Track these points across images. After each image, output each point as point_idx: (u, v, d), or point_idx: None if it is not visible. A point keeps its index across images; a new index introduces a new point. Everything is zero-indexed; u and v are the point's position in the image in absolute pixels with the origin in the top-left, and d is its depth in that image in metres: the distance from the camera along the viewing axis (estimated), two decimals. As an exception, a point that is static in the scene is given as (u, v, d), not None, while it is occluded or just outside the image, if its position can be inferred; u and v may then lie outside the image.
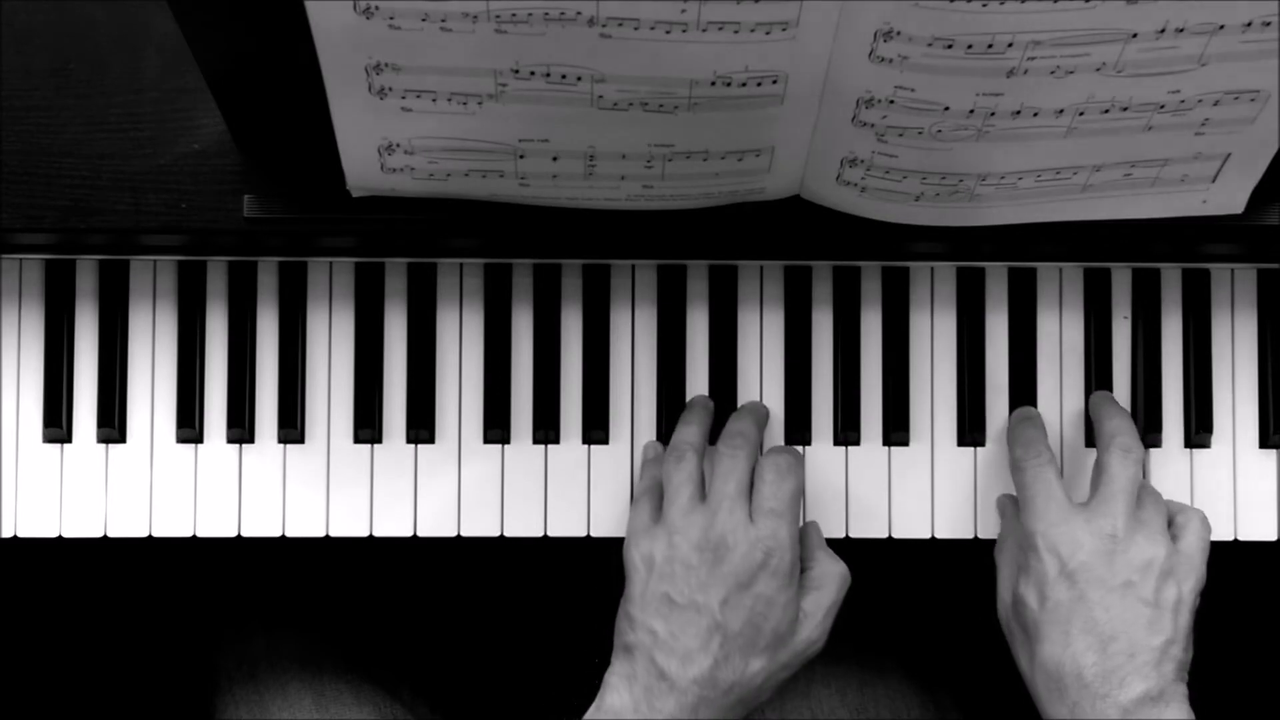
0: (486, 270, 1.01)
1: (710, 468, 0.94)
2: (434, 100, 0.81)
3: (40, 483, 1.00)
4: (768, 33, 0.76)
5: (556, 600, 1.41)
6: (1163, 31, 0.76)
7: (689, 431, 0.96)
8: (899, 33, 0.76)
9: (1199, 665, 0.90)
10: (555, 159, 0.86)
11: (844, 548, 0.98)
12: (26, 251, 1.00)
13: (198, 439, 1.00)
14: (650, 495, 0.95)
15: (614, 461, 1.01)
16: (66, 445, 1.00)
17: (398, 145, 0.85)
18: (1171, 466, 1.01)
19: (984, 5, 0.74)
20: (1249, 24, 0.76)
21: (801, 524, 0.97)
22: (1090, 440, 1.01)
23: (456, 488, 1.01)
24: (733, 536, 0.89)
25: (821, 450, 1.01)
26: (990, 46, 0.76)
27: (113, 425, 0.99)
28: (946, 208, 0.90)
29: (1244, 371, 1.02)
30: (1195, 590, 0.90)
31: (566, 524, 1.01)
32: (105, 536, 1.00)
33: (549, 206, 0.92)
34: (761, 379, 1.02)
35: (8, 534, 1.00)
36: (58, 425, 1.00)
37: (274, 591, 1.27)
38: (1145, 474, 0.99)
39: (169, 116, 0.93)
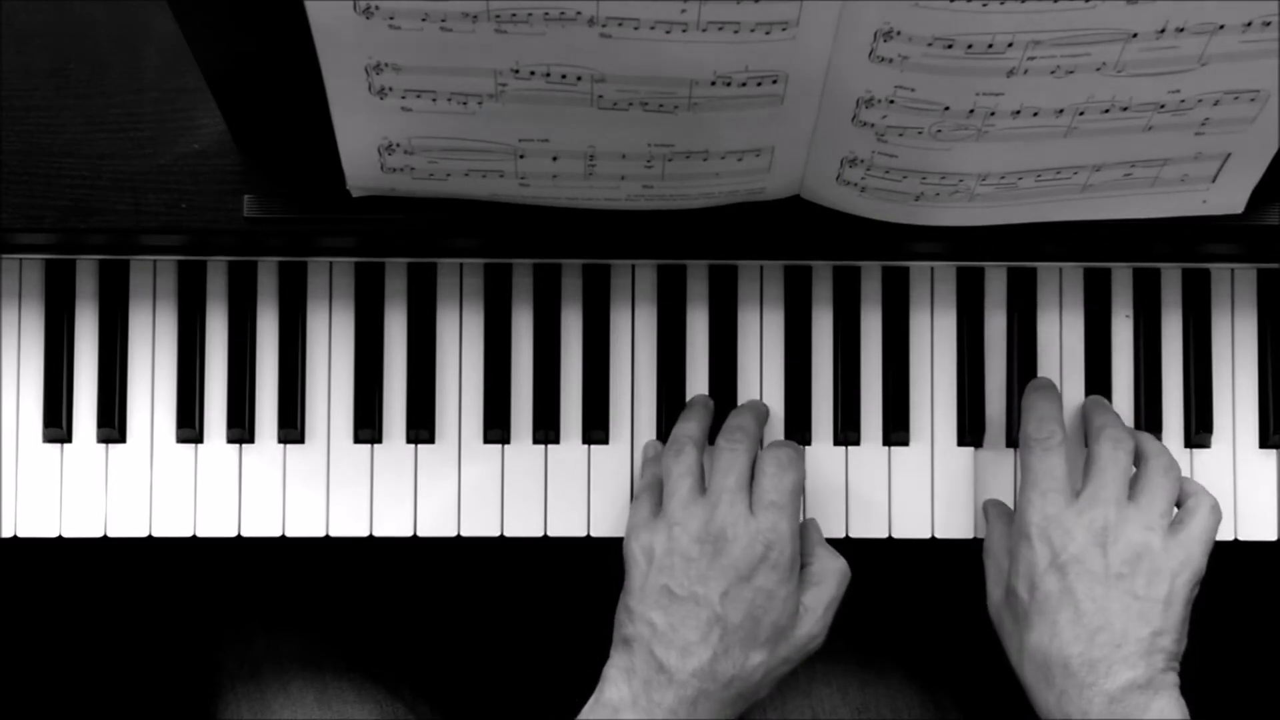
0: (486, 270, 1.01)
1: (710, 463, 0.94)
2: (434, 100, 0.81)
3: (40, 483, 1.00)
4: (768, 33, 0.76)
5: (556, 600, 1.41)
6: (1163, 31, 0.76)
7: (689, 426, 0.96)
8: (899, 33, 0.76)
9: (1200, 664, 0.90)
10: (555, 159, 0.86)
11: (844, 547, 0.98)
12: (26, 251, 1.00)
13: (198, 439, 1.00)
14: (651, 491, 0.95)
15: (614, 461, 1.01)
16: (66, 445, 1.00)
17: (398, 145, 0.85)
18: (1171, 466, 1.01)
19: (984, 5, 0.74)
20: (1249, 24, 0.76)
21: (801, 520, 0.97)
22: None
23: (456, 488, 1.01)
24: (733, 529, 0.89)
25: (821, 450, 1.01)
26: (990, 46, 0.76)
27: (113, 425, 0.99)
28: (946, 208, 0.90)
29: (1244, 371, 1.02)
30: (1190, 582, 0.89)
31: (566, 524, 1.01)
32: (105, 536, 1.00)
33: (549, 206, 0.92)
34: (761, 379, 1.02)
35: (8, 534, 1.00)
36: (58, 425, 1.00)
37: (274, 591, 1.27)
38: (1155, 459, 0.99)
39: (169, 116, 0.93)
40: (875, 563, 1.05)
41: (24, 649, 1.43)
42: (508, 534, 1.01)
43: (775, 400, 1.01)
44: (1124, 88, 0.80)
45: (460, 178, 0.88)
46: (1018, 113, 0.81)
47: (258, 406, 1.00)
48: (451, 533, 1.01)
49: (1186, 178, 0.89)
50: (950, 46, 0.77)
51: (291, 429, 1.00)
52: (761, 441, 0.98)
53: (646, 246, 1.00)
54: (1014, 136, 0.83)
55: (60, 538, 1.00)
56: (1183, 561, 0.89)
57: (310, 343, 1.01)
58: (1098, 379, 1.01)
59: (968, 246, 0.99)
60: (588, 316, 1.01)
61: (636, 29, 0.76)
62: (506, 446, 1.01)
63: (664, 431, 1.00)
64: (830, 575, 0.94)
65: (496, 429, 1.00)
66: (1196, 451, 1.02)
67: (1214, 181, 0.89)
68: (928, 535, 1.01)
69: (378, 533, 1.01)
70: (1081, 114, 0.82)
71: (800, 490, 0.93)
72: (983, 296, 1.02)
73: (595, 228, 0.93)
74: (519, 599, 1.43)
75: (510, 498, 1.01)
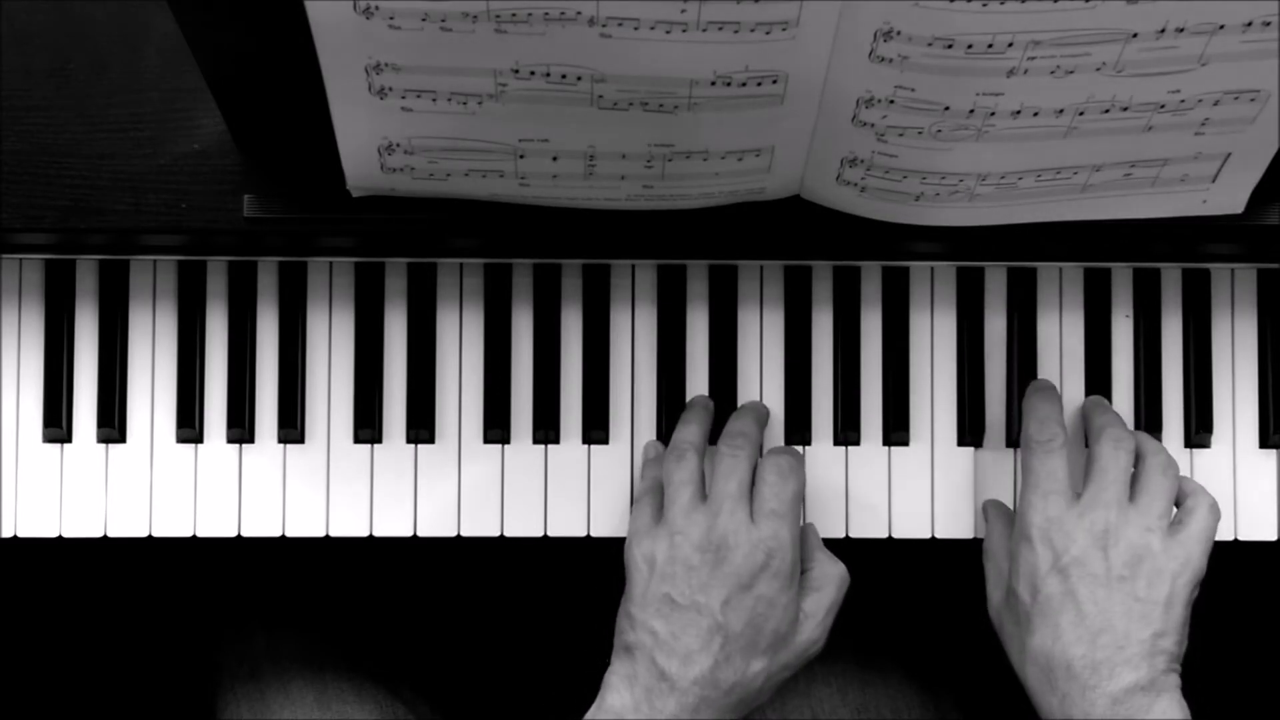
0: (486, 270, 1.01)
1: (711, 467, 0.94)
2: (434, 100, 0.81)
3: (40, 483, 1.00)
4: (768, 33, 0.76)
5: (556, 600, 1.41)
6: (1163, 31, 0.76)
7: (689, 431, 0.96)
8: (899, 33, 0.76)
9: (1200, 664, 0.90)
10: (555, 159, 0.86)
11: (844, 547, 0.98)
12: (26, 251, 1.00)
13: (198, 439, 1.00)
14: (652, 495, 0.95)
15: (614, 461, 1.01)
16: (66, 445, 1.00)
17: (398, 145, 0.85)
18: (1171, 466, 1.01)
19: (984, 5, 0.74)
20: (1249, 24, 0.76)
21: (800, 525, 0.97)
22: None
23: (456, 488, 1.01)
24: (734, 537, 0.90)
25: (821, 450, 1.01)
26: (990, 46, 0.76)
27: (113, 425, 0.99)
28: (946, 208, 0.90)
29: (1244, 371, 1.02)
30: (1190, 582, 0.89)
31: (566, 524, 1.01)
32: (105, 536, 1.00)
33: (549, 206, 0.92)
34: (761, 379, 1.02)
35: (8, 534, 1.00)
36: (58, 425, 1.00)
37: (274, 591, 1.27)
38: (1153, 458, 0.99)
39: (169, 116, 0.93)
40: (875, 563, 1.05)
41: (24, 649, 1.43)
42: (508, 534, 1.01)
43: (775, 400, 1.01)
44: (1124, 88, 0.80)
45: (460, 178, 0.88)
46: (1018, 113, 0.81)
47: (258, 406, 1.00)
48: (451, 533, 1.01)
49: (1186, 178, 0.89)
50: (950, 46, 0.77)
51: (291, 429, 1.00)
52: (762, 444, 0.98)
53: (646, 246, 1.00)
54: (1014, 136, 0.83)
55: (60, 538, 1.00)
56: (1183, 562, 0.89)
57: (310, 343, 1.01)
58: (1098, 379, 1.01)
59: (968, 246, 0.99)
60: (588, 316, 1.01)
61: (636, 29, 0.76)
62: (506, 446, 1.01)
63: (664, 431, 1.00)
64: (830, 581, 0.94)
65: (496, 429, 1.00)
66: (1196, 451, 1.02)
67: (1214, 181, 0.89)
68: (928, 535, 1.01)
69: (378, 533, 1.01)
70: (1081, 114, 0.82)
71: (801, 498, 0.94)
72: (983, 296, 1.02)
73: (595, 228, 0.93)
74: (519, 599, 1.43)
75: (510, 498, 1.01)
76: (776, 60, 0.79)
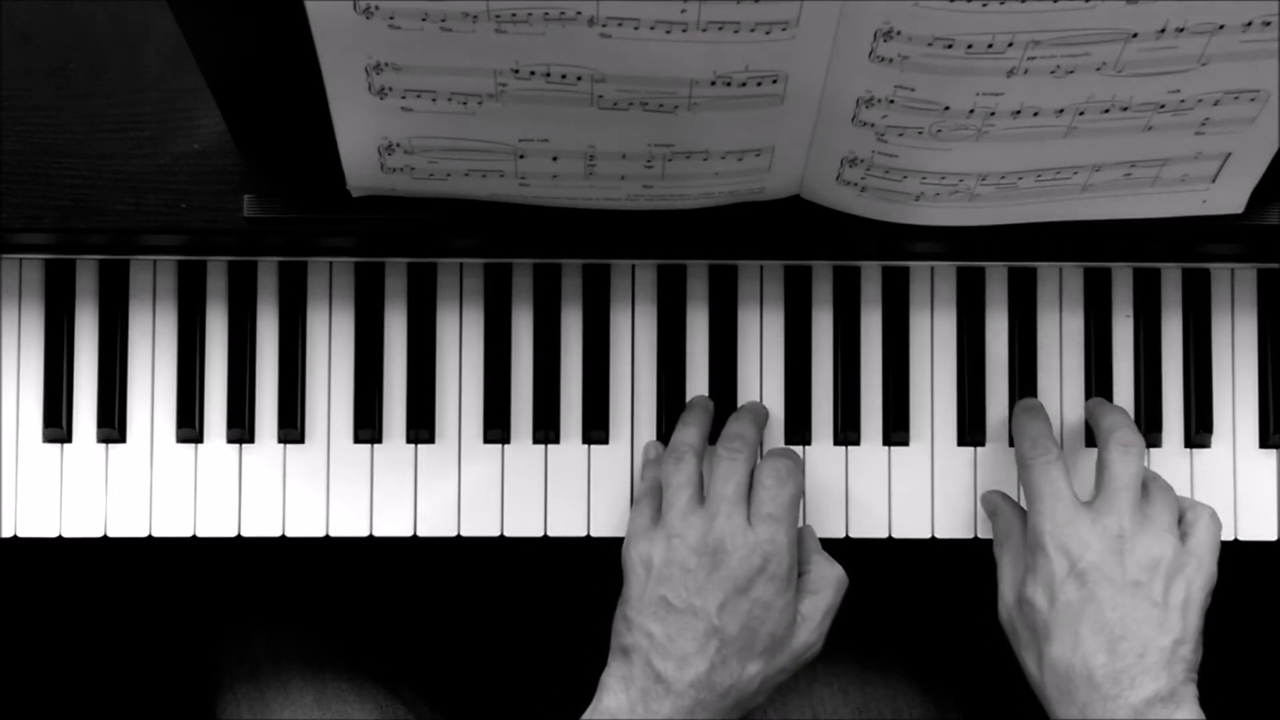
0: (486, 270, 1.01)
1: (709, 470, 0.94)
2: (434, 100, 0.81)
3: (40, 483, 1.00)
4: (768, 33, 0.76)
5: (556, 600, 1.41)
6: (1163, 31, 0.76)
7: (688, 433, 0.96)
8: (899, 32, 0.76)
9: (1200, 664, 0.89)
10: (555, 159, 0.86)
11: (844, 547, 0.98)
12: (26, 251, 1.00)
13: (198, 439, 1.00)
14: (650, 497, 0.95)
15: (614, 461, 1.01)
16: (66, 445, 1.00)
17: (398, 145, 0.85)
18: (1172, 466, 1.01)
19: (984, 5, 0.74)
20: (1249, 24, 0.76)
21: (798, 528, 0.97)
22: (1090, 440, 1.01)
23: (456, 488, 1.01)
24: (731, 541, 0.90)
25: (821, 450, 1.01)
26: (990, 46, 0.76)
27: (113, 425, 0.99)
28: (946, 208, 0.90)
29: (1244, 371, 1.02)
30: (1205, 589, 0.89)
31: (566, 524, 1.01)
32: (105, 536, 1.00)
33: (549, 206, 0.92)
34: (761, 379, 1.02)
35: (8, 534, 1.00)
36: (58, 425, 1.00)
37: (274, 591, 1.27)
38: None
39: (169, 116, 0.93)
40: (875, 563, 1.05)
41: (24, 649, 1.43)
42: (508, 534, 1.01)
43: (775, 400, 1.01)
44: (1124, 88, 0.80)
45: (460, 178, 0.88)
46: (1018, 113, 0.81)
47: (258, 406, 1.00)
48: (451, 533, 1.01)
49: (1186, 178, 0.89)
50: (950, 46, 0.77)
51: (291, 429, 1.00)
52: (762, 446, 0.98)
53: (646, 246, 1.00)
54: (1014, 136, 0.83)
55: (60, 538, 1.00)
56: (1196, 568, 0.89)
57: (310, 343, 1.01)
58: (1098, 379, 1.01)
59: (968, 246, 0.99)
60: (588, 316, 1.01)
61: (636, 29, 0.75)
62: (506, 446, 1.01)
63: (664, 431, 1.00)
64: (827, 583, 0.94)
65: (496, 429, 1.00)
66: (1196, 451, 1.02)
67: (1214, 181, 0.89)
68: (928, 535, 1.01)
69: (378, 533, 1.01)
70: (1081, 114, 0.82)
71: (799, 501, 0.94)
72: (983, 296, 1.02)
73: (595, 228, 0.93)
74: (519, 599, 1.43)
75: (510, 498, 1.01)
76: (776, 60, 0.79)
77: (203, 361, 1.01)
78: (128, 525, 1.00)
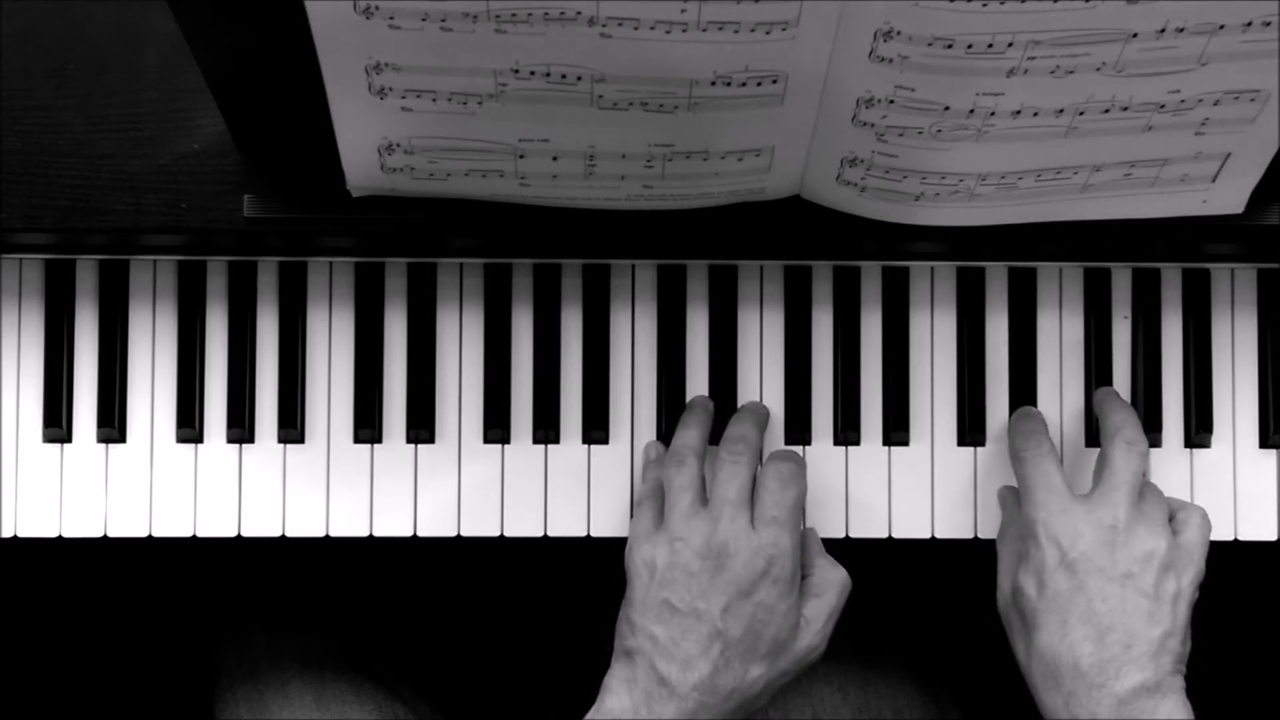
0: (486, 270, 1.01)
1: (711, 472, 0.94)
2: (434, 100, 0.81)
3: (40, 483, 1.00)
4: (768, 33, 0.76)
5: (557, 600, 1.41)
6: (1163, 31, 0.76)
7: (689, 435, 0.96)
8: (899, 33, 0.76)
9: (1199, 664, 0.90)
10: (555, 159, 0.86)
11: (844, 547, 0.98)
12: (26, 251, 1.00)
13: (198, 439, 1.00)
14: (653, 499, 0.96)
15: (614, 461, 1.01)
16: (66, 445, 1.00)
17: (398, 145, 0.85)
18: (1171, 466, 1.01)
19: (984, 5, 0.74)
20: (1249, 24, 0.76)
21: (801, 530, 0.97)
22: (1090, 439, 1.01)
23: (456, 488, 1.01)
24: (734, 544, 0.90)
25: (821, 450, 1.01)
26: (990, 46, 0.76)
27: (113, 425, 0.99)
28: (946, 208, 0.90)
29: (1244, 371, 1.02)
30: (1194, 583, 0.90)
31: (566, 524, 1.01)
32: (105, 536, 1.00)
33: (549, 206, 0.92)
34: (761, 379, 1.02)
35: (8, 534, 1.00)
36: (58, 425, 1.00)
37: (274, 591, 1.27)
38: (1145, 473, 0.99)
39: (169, 116, 0.93)
40: (875, 563, 1.05)
41: (24, 649, 1.43)
42: (508, 534, 1.01)
43: (775, 400, 1.01)
44: (1124, 88, 0.80)
45: (460, 178, 0.88)
46: (1018, 113, 0.81)
47: (258, 406, 1.00)
48: (451, 533, 1.01)
49: (1186, 178, 0.89)
50: (950, 46, 0.77)
51: (291, 429, 1.00)
52: (762, 449, 0.98)
53: (646, 246, 1.00)
54: (1014, 136, 0.83)
55: (60, 538, 1.00)
56: (1187, 563, 0.89)
57: (310, 343, 1.01)
58: (1098, 379, 1.01)
59: (968, 246, 0.99)
60: (588, 316, 1.01)
61: (636, 29, 0.76)
62: (506, 446, 1.01)
63: (664, 431, 1.00)
64: (831, 587, 0.94)
65: (496, 429, 1.00)
66: (1196, 451, 1.02)
67: (1214, 181, 0.89)
68: (928, 535, 1.01)
69: (378, 533, 1.01)
70: (1081, 114, 0.82)
71: (802, 504, 0.94)
72: (983, 296, 1.02)
73: (595, 228, 0.93)
74: (519, 599, 1.43)
75: (510, 498, 1.01)
76: (776, 60, 0.79)
77: (203, 361, 1.01)
78: (128, 525, 1.00)
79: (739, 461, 0.93)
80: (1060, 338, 1.02)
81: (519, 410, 1.01)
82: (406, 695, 1.13)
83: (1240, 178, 0.89)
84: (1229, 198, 0.91)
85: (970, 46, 0.76)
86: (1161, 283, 1.02)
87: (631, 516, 0.97)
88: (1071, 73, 0.78)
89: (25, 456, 1.00)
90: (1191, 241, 0.96)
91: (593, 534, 1.01)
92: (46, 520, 1.00)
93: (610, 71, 0.79)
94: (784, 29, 0.76)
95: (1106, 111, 0.82)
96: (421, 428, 1.00)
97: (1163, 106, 0.82)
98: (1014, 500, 0.97)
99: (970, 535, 1.01)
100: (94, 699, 1.43)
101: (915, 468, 1.01)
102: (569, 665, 1.32)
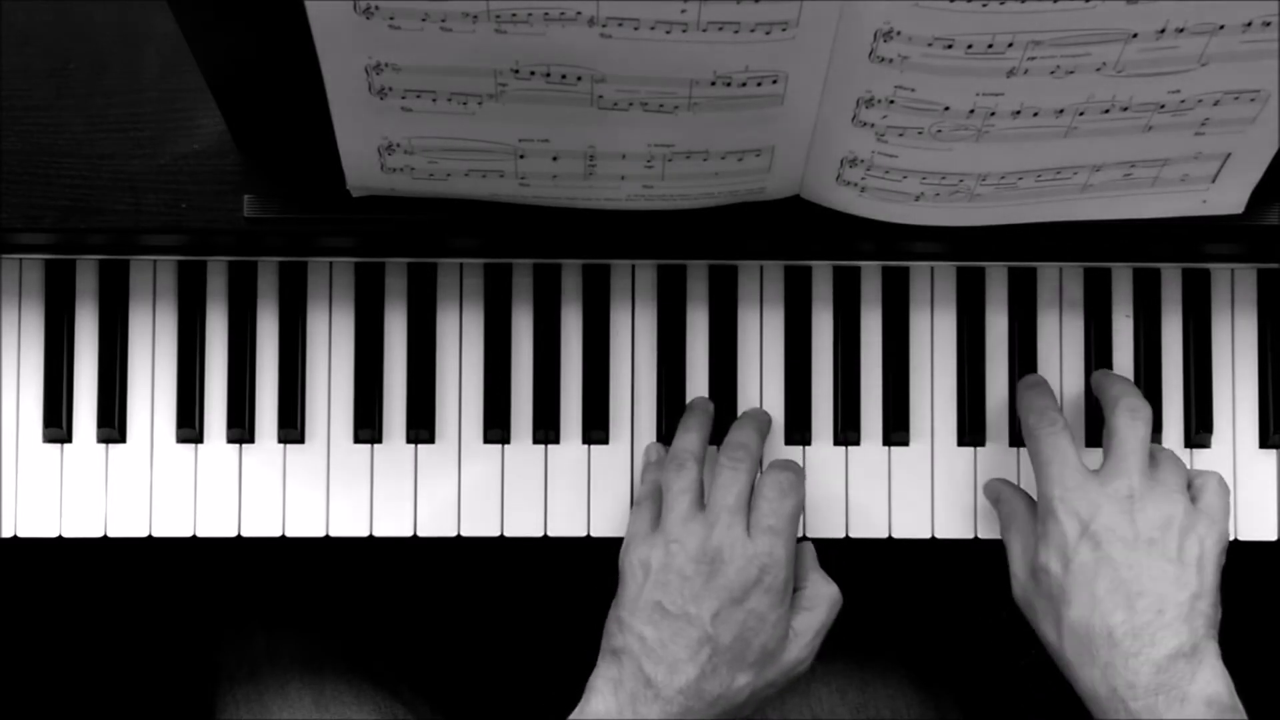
0: (486, 270, 1.01)
1: (710, 476, 0.94)
2: (434, 100, 0.81)
3: (40, 483, 1.00)
4: (768, 33, 0.76)
5: (556, 600, 1.41)
6: (1163, 31, 0.76)
7: (689, 439, 0.96)
8: (899, 33, 0.76)
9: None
10: (555, 159, 0.86)
11: (844, 548, 0.98)
12: (26, 251, 1.00)
13: (198, 439, 1.00)
14: (651, 500, 0.96)
15: (614, 461, 1.01)
16: (66, 445, 1.00)
17: (398, 145, 0.85)
18: (1171, 466, 1.01)
19: (984, 5, 0.74)
20: (1249, 24, 0.76)
21: (799, 540, 0.97)
22: (1091, 439, 1.01)
23: (456, 488, 1.01)
24: (730, 551, 0.90)
25: (821, 450, 1.01)
26: (990, 46, 0.76)
27: (113, 425, 0.99)
28: (946, 208, 0.90)
29: (1244, 372, 1.02)
30: (1219, 545, 0.89)
31: (566, 524, 1.01)
32: (105, 536, 1.00)
33: (549, 206, 0.92)
34: (761, 379, 1.02)
35: (8, 534, 1.00)
36: (58, 425, 1.00)
37: (274, 591, 1.27)
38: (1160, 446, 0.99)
39: (169, 116, 0.93)
40: (875, 563, 1.05)
41: (24, 649, 1.43)
42: (508, 534, 1.01)
43: (775, 400, 1.01)
44: (1124, 88, 0.80)
45: (460, 178, 0.88)
46: (1018, 113, 0.81)
47: (258, 406, 1.00)
48: (451, 533, 1.01)
49: (1186, 178, 0.89)
50: (950, 46, 0.77)
51: (291, 429, 1.00)
52: (762, 458, 0.98)
53: (646, 246, 1.00)
54: (1014, 136, 0.83)
55: (60, 538, 1.00)
56: (1209, 525, 0.89)
57: (310, 343, 1.01)
58: (1098, 379, 1.01)
59: (968, 246, 0.99)
60: (588, 316, 1.01)
61: (636, 29, 0.76)
62: (506, 446, 1.01)
63: (664, 432, 1.00)
64: (822, 601, 0.94)
65: (496, 429, 1.00)
66: (1196, 451, 1.02)
67: (1214, 181, 0.89)
68: (928, 535, 1.01)
69: (378, 533, 1.01)
70: (1081, 114, 0.82)
71: (799, 514, 0.94)
72: (983, 296, 1.02)
73: (595, 228, 0.93)
74: (519, 599, 1.43)
75: (510, 498, 1.01)
76: (776, 60, 0.79)
77: (203, 361, 1.01)
78: (128, 525, 1.00)
79: (738, 468, 0.93)
80: (1060, 338, 1.02)
81: (519, 410, 1.01)
82: (406, 696, 1.13)
83: (1240, 178, 0.89)
84: (1229, 198, 0.91)
85: (970, 46, 0.76)
86: (1161, 283, 1.02)
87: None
88: (1071, 73, 0.78)
89: (25, 456, 1.00)
90: (1191, 241, 0.96)
91: (593, 534, 1.01)
92: (46, 520, 1.00)
93: (610, 71, 0.79)
94: (784, 29, 0.76)
95: (1106, 112, 0.82)
96: (421, 428, 1.00)
97: (1163, 106, 0.82)
98: (1010, 490, 0.97)
99: (970, 535, 1.01)
100: (94, 699, 1.43)
101: (915, 468, 1.01)
102: (568, 666, 1.33)
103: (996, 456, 1.01)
